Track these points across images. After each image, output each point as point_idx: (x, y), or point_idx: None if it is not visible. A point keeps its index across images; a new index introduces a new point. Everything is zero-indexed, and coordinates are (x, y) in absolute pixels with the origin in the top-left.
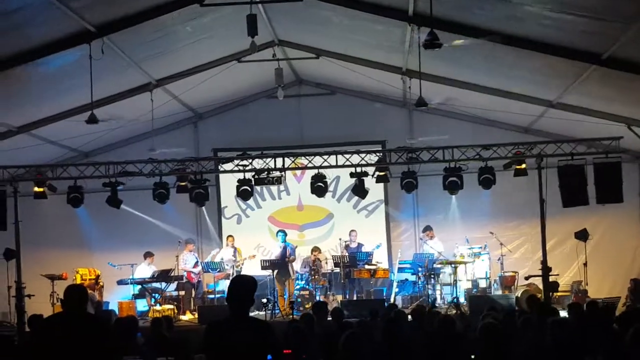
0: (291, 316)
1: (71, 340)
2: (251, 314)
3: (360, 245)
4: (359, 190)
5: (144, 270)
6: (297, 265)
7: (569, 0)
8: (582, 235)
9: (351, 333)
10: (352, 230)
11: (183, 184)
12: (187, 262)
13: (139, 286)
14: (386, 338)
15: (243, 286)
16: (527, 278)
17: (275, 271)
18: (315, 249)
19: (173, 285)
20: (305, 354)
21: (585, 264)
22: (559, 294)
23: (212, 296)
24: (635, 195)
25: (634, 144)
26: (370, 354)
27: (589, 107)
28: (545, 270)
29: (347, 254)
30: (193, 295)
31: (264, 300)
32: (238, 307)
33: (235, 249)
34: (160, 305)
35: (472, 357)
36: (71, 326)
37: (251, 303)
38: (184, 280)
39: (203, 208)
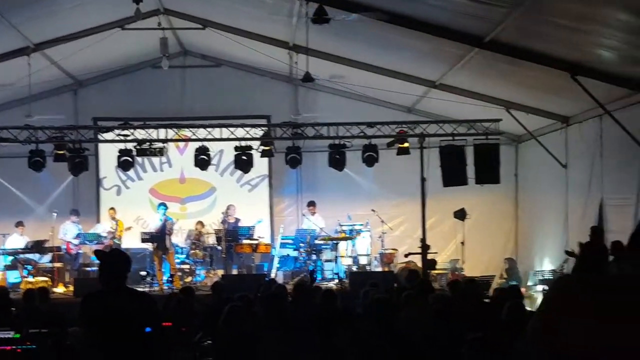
0: (171, 290)
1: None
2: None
3: (237, 220)
4: (243, 164)
5: (16, 240)
6: (179, 239)
7: None
8: (460, 215)
9: (232, 307)
10: (230, 205)
11: (61, 152)
12: (67, 232)
13: (11, 257)
14: (267, 312)
15: (119, 258)
16: (406, 255)
17: (155, 244)
18: (198, 223)
19: (47, 257)
20: (185, 327)
21: (462, 243)
22: (436, 271)
23: (90, 268)
24: (512, 176)
25: (512, 126)
26: (251, 328)
27: (471, 89)
28: (424, 248)
29: (228, 228)
30: (71, 267)
31: (143, 274)
32: (113, 280)
33: (116, 221)
34: (34, 277)
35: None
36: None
37: (126, 274)
38: (62, 251)
39: (81, 178)
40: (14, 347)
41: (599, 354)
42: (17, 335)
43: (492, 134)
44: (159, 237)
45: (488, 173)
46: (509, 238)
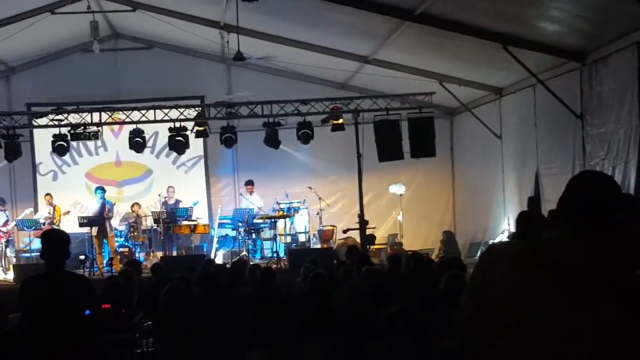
0: (110, 273)
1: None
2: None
3: (178, 201)
4: (177, 146)
5: None
6: (116, 222)
7: None
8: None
9: (171, 287)
10: (170, 187)
11: None
12: None
13: None
14: (204, 293)
15: (55, 240)
16: (345, 231)
17: (94, 228)
18: (135, 205)
19: None
20: (124, 309)
21: (400, 217)
22: (375, 246)
23: (27, 255)
24: (447, 149)
25: (446, 99)
26: (190, 308)
27: (404, 64)
28: (362, 223)
29: (165, 210)
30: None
31: (82, 257)
32: (53, 262)
33: (54, 206)
34: None
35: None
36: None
37: (66, 257)
38: None
39: (16, 164)
40: None
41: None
42: None
43: (426, 107)
44: (98, 221)
45: (423, 146)
46: (446, 211)
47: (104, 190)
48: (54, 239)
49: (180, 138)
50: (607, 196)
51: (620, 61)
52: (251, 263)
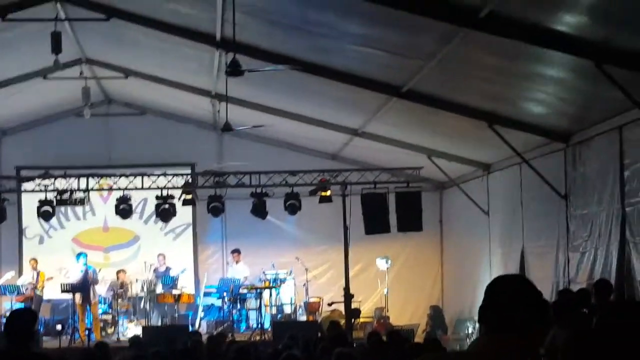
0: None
1: None
2: (47, 341)
3: (168, 268)
4: (164, 214)
5: None
6: (101, 289)
7: (370, 34)
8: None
9: None
10: (160, 254)
11: None
12: None
13: None
14: None
15: (20, 320)
16: (330, 304)
17: (78, 295)
18: (121, 272)
19: None
20: None
21: (386, 291)
22: (361, 320)
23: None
24: (436, 222)
25: (435, 173)
26: None
27: (392, 137)
28: (348, 296)
29: (153, 278)
30: None
31: (59, 327)
32: (14, 341)
33: (38, 272)
34: None
35: None
36: None
37: (28, 337)
38: None
39: (2, 227)
40: None
41: None
42: None
43: (414, 181)
44: (81, 288)
45: (410, 220)
46: (434, 285)
47: (85, 256)
48: (17, 319)
49: (166, 206)
50: (505, 298)
51: (603, 144)
52: (230, 338)
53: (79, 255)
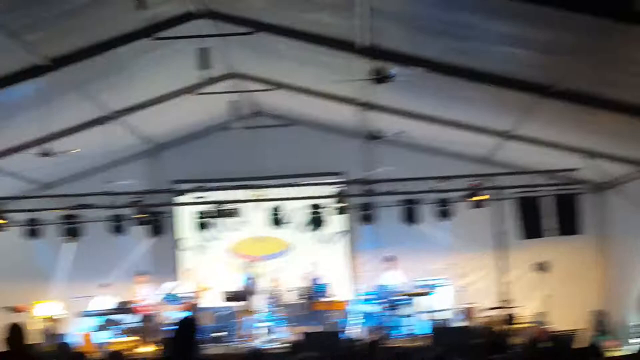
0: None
1: None
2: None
3: (320, 277)
4: (315, 223)
5: (103, 301)
6: (257, 297)
7: (517, 34)
8: (541, 267)
9: None
10: (313, 262)
11: (139, 215)
12: (139, 294)
13: (101, 317)
14: None
15: (183, 329)
16: (487, 310)
17: (237, 303)
18: (275, 280)
19: (136, 317)
20: None
21: (546, 296)
22: (520, 325)
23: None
24: (596, 225)
25: (594, 175)
26: None
27: (545, 139)
28: (505, 302)
29: (307, 286)
30: (150, 326)
31: (219, 334)
32: (178, 349)
33: (195, 282)
34: (124, 336)
35: None
36: None
37: (191, 344)
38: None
39: (160, 239)
40: None
41: None
42: None
43: (570, 183)
44: (241, 296)
45: (569, 224)
46: (596, 290)
47: (249, 267)
48: (181, 328)
49: (318, 215)
50: None
51: None
52: (386, 343)
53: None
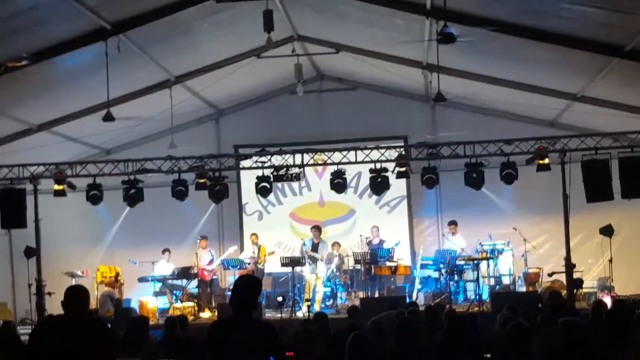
0: (306, 315)
1: (68, 343)
2: (268, 313)
3: (382, 241)
4: (377, 187)
5: (164, 267)
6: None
7: None
8: (607, 231)
9: (356, 335)
10: (374, 227)
11: (202, 181)
12: (200, 259)
13: (160, 283)
14: (396, 339)
15: (245, 287)
16: (550, 275)
17: (300, 268)
18: (336, 245)
19: (194, 283)
20: (308, 357)
21: (610, 260)
22: (584, 290)
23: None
24: None
25: None
26: (377, 356)
27: (614, 100)
28: (569, 267)
29: (368, 251)
30: (208, 292)
31: (280, 299)
32: (240, 308)
33: (259, 247)
34: (182, 302)
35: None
36: (68, 328)
37: (253, 304)
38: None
39: (223, 204)
40: None
41: None
42: None
43: (637, 146)
44: (304, 262)
45: (635, 187)
46: None
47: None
48: (243, 286)
49: (380, 179)
50: None
51: None
52: (448, 308)
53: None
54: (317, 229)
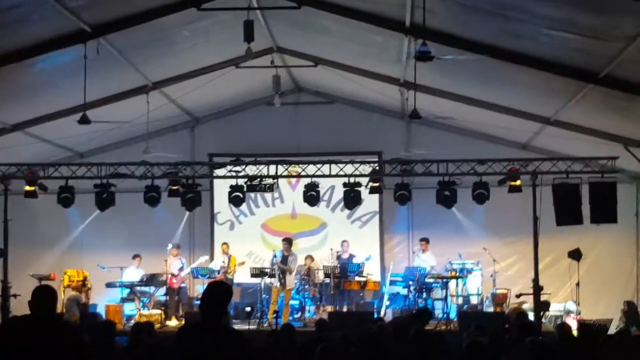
0: (274, 326)
1: (33, 344)
2: (236, 324)
3: (352, 256)
4: (350, 201)
5: (133, 273)
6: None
7: (567, 19)
8: (575, 255)
9: (324, 346)
10: (344, 241)
11: (175, 187)
12: (170, 266)
13: (128, 289)
14: (363, 353)
15: (216, 293)
16: (518, 296)
17: (269, 279)
18: (308, 258)
19: (162, 290)
20: None
21: (577, 284)
22: (550, 313)
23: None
24: (632, 216)
25: (631, 164)
26: None
27: (586, 126)
28: (537, 288)
29: (338, 265)
30: (176, 299)
31: (248, 309)
32: (209, 314)
33: (229, 256)
34: (149, 309)
35: None
36: (35, 330)
37: (223, 310)
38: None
39: (195, 212)
40: None
41: None
42: None
43: (608, 172)
44: (274, 273)
45: (605, 212)
46: (629, 280)
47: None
48: (212, 292)
49: (353, 194)
50: None
51: None
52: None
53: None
54: (287, 241)
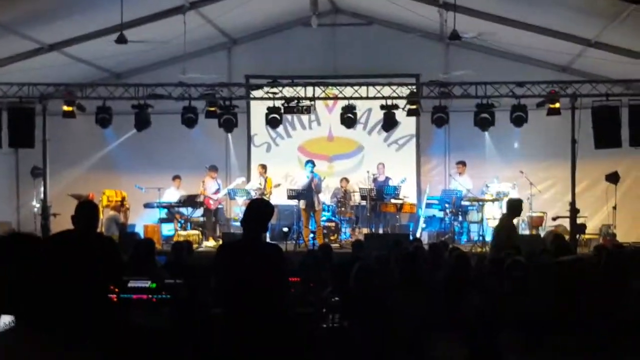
0: (314, 246)
1: (75, 258)
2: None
3: (387, 178)
4: (388, 123)
5: (172, 194)
6: (325, 197)
7: None
8: (612, 178)
9: (361, 266)
10: (380, 164)
11: (212, 109)
12: (207, 188)
13: (166, 210)
14: (401, 272)
15: (257, 210)
16: (554, 219)
17: (302, 201)
18: (344, 180)
19: (200, 211)
20: (314, 282)
21: (614, 207)
22: (586, 236)
23: (237, 223)
24: None
25: None
26: (380, 287)
27: (628, 48)
28: (573, 211)
29: (374, 187)
30: (213, 220)
31: (285, 230)
32: (250, 230)
33: (266, 178)
34: (186, 230)
35: None
36: (79, 243)
37: (264, 227)
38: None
39: (232, 135)
40: (149, 295)
41: None
42: (154, 285)
43: None
44: (306, 195)
45: None
46: None
47: (313, 164)
48: (254, 209)
49: (390, 116)
50: None
51: None
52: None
53: (307, 162)
54: (312, 163)
